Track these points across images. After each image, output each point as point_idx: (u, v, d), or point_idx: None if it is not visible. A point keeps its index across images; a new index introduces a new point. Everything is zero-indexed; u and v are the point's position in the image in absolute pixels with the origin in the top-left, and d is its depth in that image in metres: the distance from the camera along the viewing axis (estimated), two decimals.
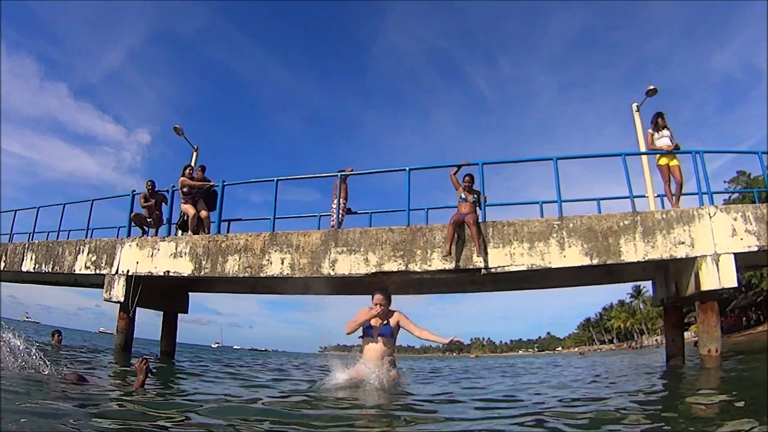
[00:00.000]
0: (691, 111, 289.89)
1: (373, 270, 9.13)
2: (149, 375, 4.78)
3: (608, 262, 8.49)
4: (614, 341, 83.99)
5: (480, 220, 9.04)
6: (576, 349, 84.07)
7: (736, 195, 33.00)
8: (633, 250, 8.47)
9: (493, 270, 8.71)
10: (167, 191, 11.68)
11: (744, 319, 41.38)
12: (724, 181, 41.93)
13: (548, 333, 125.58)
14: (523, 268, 8.63)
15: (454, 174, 9.38)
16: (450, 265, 8.83)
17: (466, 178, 9.21)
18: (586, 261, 8.52)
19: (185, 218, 11.29)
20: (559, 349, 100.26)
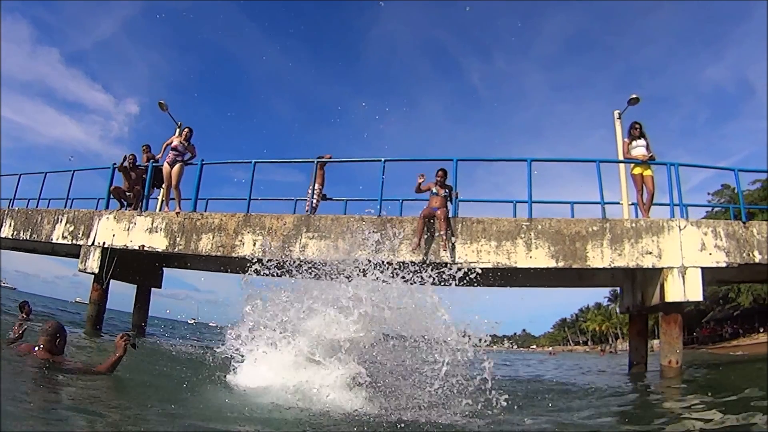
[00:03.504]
0: (681, 121, 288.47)
1: (342, 257, 8.94)
2: (132, 349, 4.60)
3: (574, 266, 8.31)
4: (588, 343, 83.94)
5: (451, 215, 8.87)
6: (550, 348, 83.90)
7: (718, 208, 32.84)
8: (599, 256, 8.31)
9: (458, 265, 8.52)
10: (146, 166, 11.44)
11: (724, 331, 41.46)
12: (708, 193, 41.86)
13: (524, 330, 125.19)
14: (489, 265, 8.43)
15: (417, 189, 9.22)
16: (418, 258, 8.62)
17: (439, 172, 8.98)
18: (551, 263, 8.34)
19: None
20: (534, 347, 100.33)
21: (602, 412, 4.81)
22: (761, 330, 35.99)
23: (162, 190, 11.23)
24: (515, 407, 4.23)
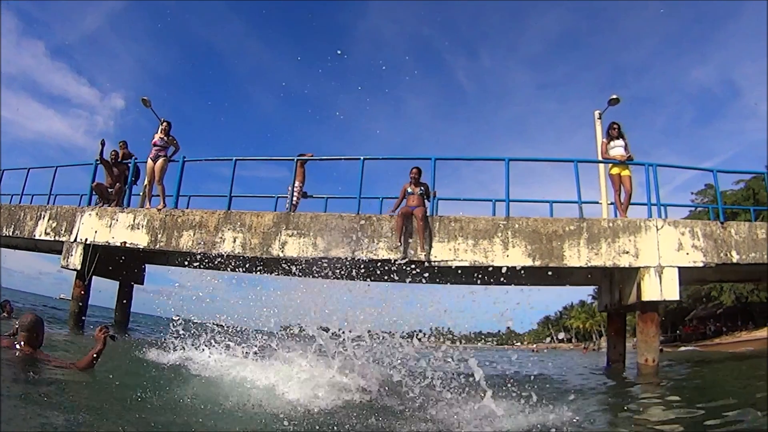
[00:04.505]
0: (666, 120, 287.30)
1: (321, 255, 8.84)
2: (111, 341, 4.52)
3: (550, 264, 8.24)
4: (572, 340, 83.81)
5: (429, 214, 8.78)
6: (533, 345, 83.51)
7: (701, 208, 32.96)
8: (576, 256, 8.24)
9: (435, 263, 8.45)
10: (129, 163, 11.30)
11: (707, 329, 41.69)
12: (692, 192, 42.11)
13: (508, 327, 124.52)
14: (466, 264, 8.35)
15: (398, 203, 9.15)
16: (395, 256, 8.52)
17: (413, 170, 8.89)
18: (528, 262, 8.26)
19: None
20: (518, 344, 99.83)
21: (572, 409, 4.70)
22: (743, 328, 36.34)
23: (144, 185, 11.06)
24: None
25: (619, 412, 4.73)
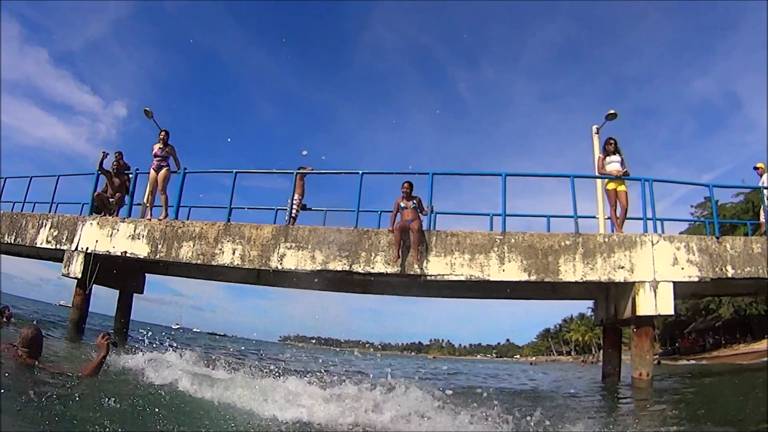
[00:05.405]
0: (668, 132, 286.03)
1: (319, 267, 8.88)
2: (113, 348, 4.63)
3: (546, 279, 8.27)
4: (572, 353, 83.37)
5: (425, 228, 8.83)
6: (532, 358, 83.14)
7: (700, 222, 32.90)
8: (572, 270, 8.27)
9: (430, 277, 8.49)
10: (130, 175, 11.41)
11: (706, 341, 41.60)
12: (691, 206, 42.09)
13: (507, 340, 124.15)
14: (462, 278, 8.38)
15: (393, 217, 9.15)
16: (392, 269, 8.56)
17: (405, 185, 8.91)
18: (524, 277, 8.29)
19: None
20: (518, 356, 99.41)
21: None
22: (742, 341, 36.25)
23: (146, 195, 11.12)
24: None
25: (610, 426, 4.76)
